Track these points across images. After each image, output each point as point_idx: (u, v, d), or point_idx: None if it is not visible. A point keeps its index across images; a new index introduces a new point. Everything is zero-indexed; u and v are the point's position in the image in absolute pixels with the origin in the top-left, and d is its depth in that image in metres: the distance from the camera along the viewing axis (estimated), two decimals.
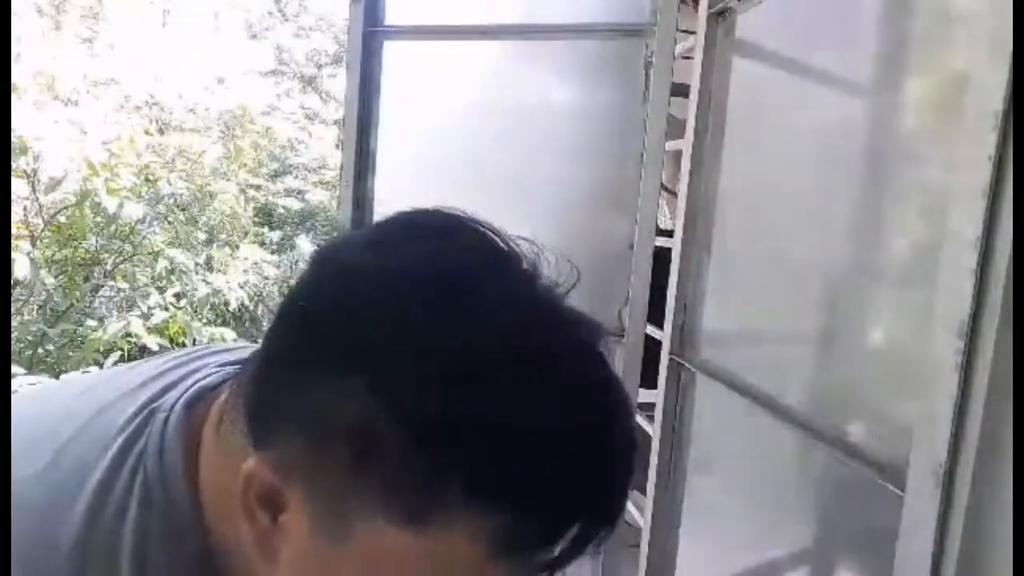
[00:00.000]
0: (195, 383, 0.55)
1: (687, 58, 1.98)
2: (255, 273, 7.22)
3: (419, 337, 0.43)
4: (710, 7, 1.77)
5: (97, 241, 6.41)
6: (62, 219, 6.27)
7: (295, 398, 0.45)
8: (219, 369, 0.57)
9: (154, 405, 0.54)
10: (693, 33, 1.94)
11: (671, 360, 1.86)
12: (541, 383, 0.44)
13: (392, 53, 2.17)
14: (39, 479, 0.49)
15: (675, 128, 1.98)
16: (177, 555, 0.50)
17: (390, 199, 2.10)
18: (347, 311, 0.45)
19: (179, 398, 0.54)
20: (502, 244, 0.48)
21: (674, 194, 2.25)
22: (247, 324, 7.41)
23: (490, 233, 0.49)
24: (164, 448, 0.51)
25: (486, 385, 0.43)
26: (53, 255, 6.29)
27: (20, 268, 5.20)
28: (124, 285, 6.57)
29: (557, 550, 0.46)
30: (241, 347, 0.62)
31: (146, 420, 0.53)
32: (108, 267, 6.64)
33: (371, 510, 0.44)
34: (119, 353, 5.76)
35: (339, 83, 11.18)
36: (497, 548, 0.43)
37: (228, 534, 0.50)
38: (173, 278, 6.66)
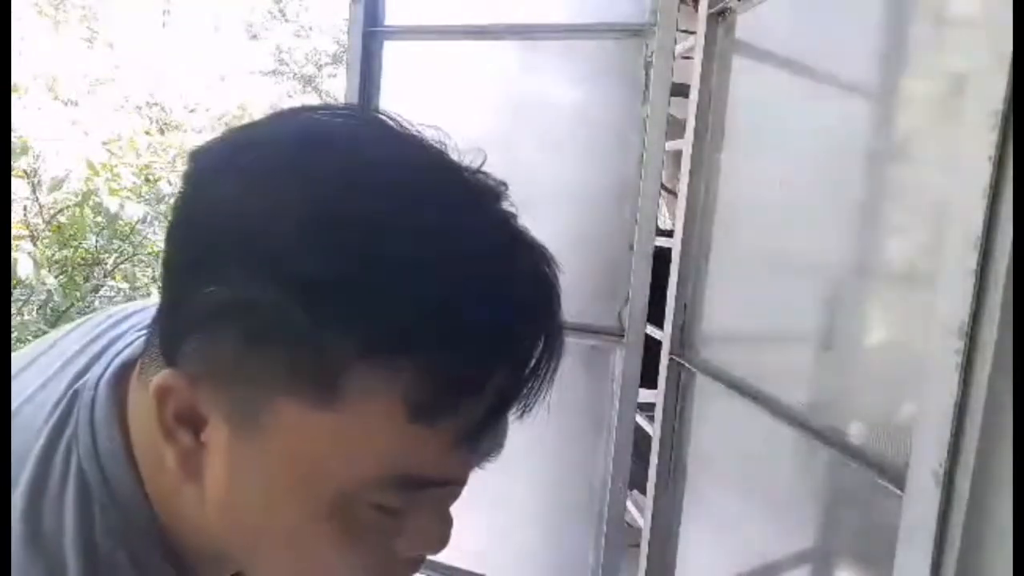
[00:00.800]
0: (120, 351, 0.53)
1: (687, 58, 1.98)
2: None
3: (282, 201, 0.41)
4: (710, 7, 1.77)
5: (97, 241, 6.42)
6: (62, 219, 6.28)
7: (189, 308, 0.43)
8: (140, 333, 0.54)
9: (78, 385, 0.50)
10: (693, 33, 1.94)
11: (671, 360, 1.86)
12: (428, 225, 0.41)
13: (392, 53, 2.17)
14: None
15: (675, 128, 1.98)
16: (127, 538, 0.47)
17: None
18: (208, 200, 0.43)
19: (103, 373, 0.51)
20: (394, 122, 0.46)
21: (674, 194, 2.25)
22: None
23: (389, 119, 0.46)
24: (95, 423, 0.49)
25: (362, 237, 0.40)
26: (53, 255, 6.29)
27: (23, 268, 5.20)
28: (124, 285, 6.58)
29: (483, 407, 0.42)
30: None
31: (72, 402, 0.50)
32: (108, 267, 6.64)
33: (282, 398, 0.42)
34: None
35: (339, 83, 11.19)
36: (416, 409, 0.41)
37: (166, 490, 0.48)
38: None
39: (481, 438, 0.44)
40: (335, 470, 0.43)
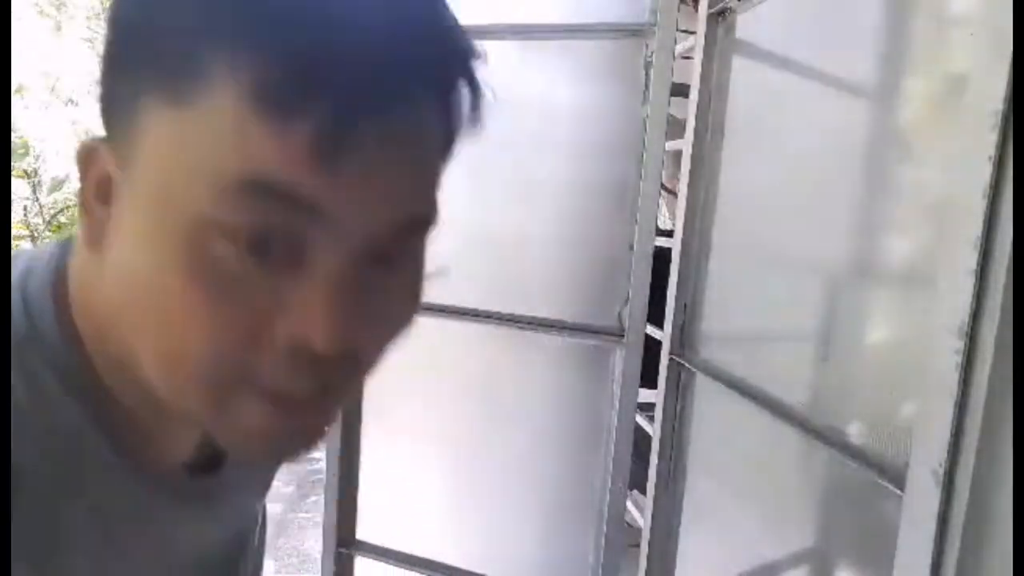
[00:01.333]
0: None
1: (687, 58, 1.98)
2: None
3: None
4: (710, 7, 1.77)
5: None
6: (62, 219, 6.27)
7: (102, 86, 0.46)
8: None
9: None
10: (693, 33, 1.94)
11: (671, 360, 1.86)
12: None
13: None
14: None
15: (675, 128, 1.98)
16: (33, 360, 0.47)
17: None
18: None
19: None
20: None
21: (674, 194, 2.25)
22: None
23: None
24: (28, 272, 0.49)
25: None
26: None
27: None
28: None
29: (336, 105, 0.39)
30: None
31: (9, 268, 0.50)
32: None
33: (143, 102, 0.41)
34: None
35: None
36: (262, 101, 0.38)
37: (101, 334, 0.48)
38: None
39: (337, 145, 0.39)
40: (187, 181, 0.41)
